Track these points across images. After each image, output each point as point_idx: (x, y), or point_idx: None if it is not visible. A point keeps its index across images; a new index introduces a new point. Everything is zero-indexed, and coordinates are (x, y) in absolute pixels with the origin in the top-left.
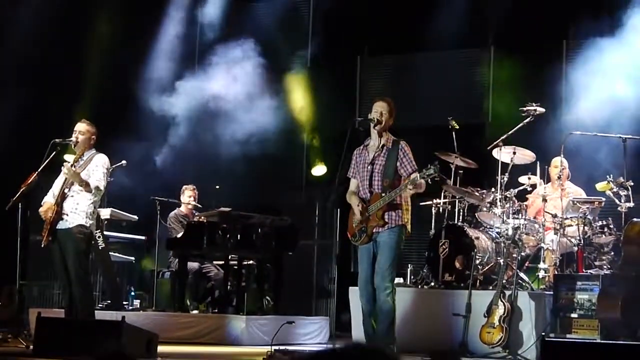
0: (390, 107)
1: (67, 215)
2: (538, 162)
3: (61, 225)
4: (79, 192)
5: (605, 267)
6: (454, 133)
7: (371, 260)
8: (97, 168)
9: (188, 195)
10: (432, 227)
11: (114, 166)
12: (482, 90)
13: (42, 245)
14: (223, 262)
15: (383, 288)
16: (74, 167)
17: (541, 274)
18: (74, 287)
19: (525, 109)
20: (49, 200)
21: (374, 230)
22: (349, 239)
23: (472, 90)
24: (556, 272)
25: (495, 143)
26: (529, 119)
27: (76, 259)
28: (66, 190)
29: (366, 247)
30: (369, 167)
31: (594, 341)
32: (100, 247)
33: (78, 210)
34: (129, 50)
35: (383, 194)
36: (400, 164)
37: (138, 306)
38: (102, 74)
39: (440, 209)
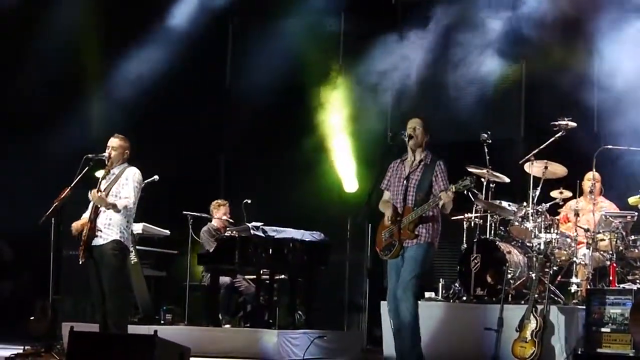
0: (424, 124)
1: (101, 231)
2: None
3: (96, 241)
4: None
5: (638, 281)
6: (485, 147)
7: (399, 274)
8: (127, 183)
9: (223, 212)
10: (464, 241)
11: (145, 181)
12: (515, 105)
13: (80, 262)
14: (255, 276)
15: (404, 300)
16: (102, 183)
17: (573, 288)
18: (108, 302)
19: (556, 123)
20: (87, 215)
21: (404, 245)
22: (378, 253)
23: (504, 104)
24: (588, 287)
25: (526, 157)
26: (560, 133)
27: (110, 275)
28: (98, 206)
29: (395, 261)
30: (404, 182)
31: (627, 355)
32: (132, 262)
33: (111, 226)
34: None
35: (415, 207)
36: (435, 181)
37: (170, 320)
38: None
39: (472, 223)
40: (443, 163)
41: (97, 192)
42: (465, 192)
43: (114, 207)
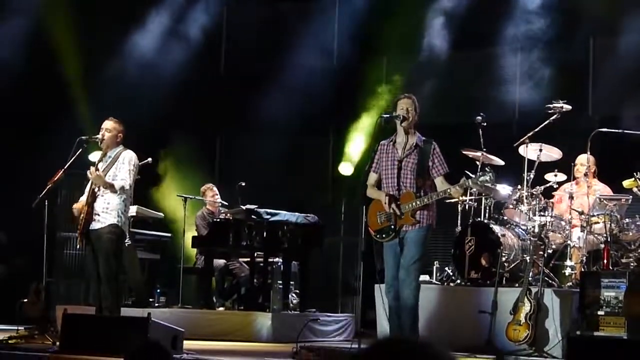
0: (415, 104)
1: (99, 215)
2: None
3: (94, 225)
4: (108, 191)
5: (632, 264)
6: (480, 130)
7: (398, 257)
8: (123, 166)
9: (210, 195)
10: (458, 224)
11: (140, 163)
12: (509, 87)
13: (78, 247)
14: (249, 259)
15: (407, 283)
16: (99, 166)
17: (567, 271)
18: (103, 285)
19: (551, 106)
20: (84, 199)
21: (403, 229)
22: (372, 235)
23: (499, 87)
24: (582, 270)
25: (521, 140)
26: (555, 116)
27: (106, 259)
28: (96, 190)
29: (391, 244)
30: (398, 164)
31: (621, 338)
32: (126, 244)
33: (109, 210)
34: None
35: (418, 194)
36: (432, 164)
37: (164, 303)
38: None
39: (467, 206)
40: (437, 144)
41: (96, 170)
42: (482, 187)
43: (111, 187)
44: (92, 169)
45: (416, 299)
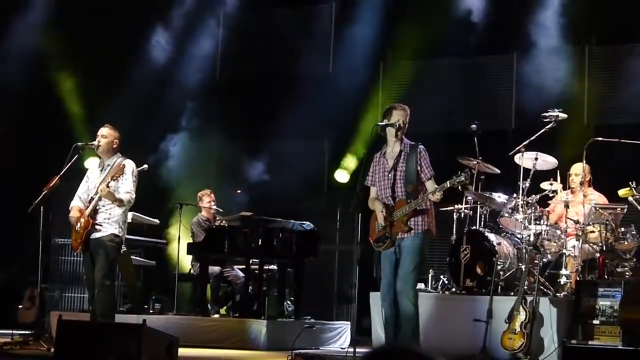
0: (408, 116)
1: (101, 225)
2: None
3: (94, 234)
4: (111, 203)
5: (627, 273)
6: (476, 138)
7: (394, 266)
8: (126, 177)
9: (207, 201)
10: (454, 232)
11: (137, 170)
12: (505, 96)
13: (75, 253)
14: (244, 266)
15: (405, 293)
16: (99, 174)
17: (563, 280)
18: (97, 292)
19: (547, 114)
20: (76, 204)
21: (398, 237)
22: (372, 244)
23: (494, 95)
24: (578, 279)
25: (517, 149)
26: (551, 124)
27: (103, 266)
28: (98, 201)
29: (389, 252)
30: (390, 175)
31: (616, 348)
32: (122, 251)
33: (111, 221)
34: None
35: (408, 201)
36: (420, 169)
37: (159, 310)
38: None
39: (462, 214)
40: (423, 149)
41: (107, 187)
42: (459, 188)
43: (120, 201)
44: (103, 185)
45: (416, 307)
